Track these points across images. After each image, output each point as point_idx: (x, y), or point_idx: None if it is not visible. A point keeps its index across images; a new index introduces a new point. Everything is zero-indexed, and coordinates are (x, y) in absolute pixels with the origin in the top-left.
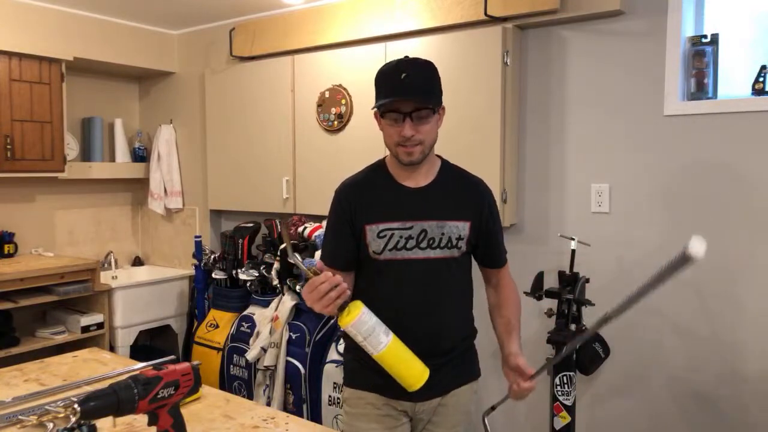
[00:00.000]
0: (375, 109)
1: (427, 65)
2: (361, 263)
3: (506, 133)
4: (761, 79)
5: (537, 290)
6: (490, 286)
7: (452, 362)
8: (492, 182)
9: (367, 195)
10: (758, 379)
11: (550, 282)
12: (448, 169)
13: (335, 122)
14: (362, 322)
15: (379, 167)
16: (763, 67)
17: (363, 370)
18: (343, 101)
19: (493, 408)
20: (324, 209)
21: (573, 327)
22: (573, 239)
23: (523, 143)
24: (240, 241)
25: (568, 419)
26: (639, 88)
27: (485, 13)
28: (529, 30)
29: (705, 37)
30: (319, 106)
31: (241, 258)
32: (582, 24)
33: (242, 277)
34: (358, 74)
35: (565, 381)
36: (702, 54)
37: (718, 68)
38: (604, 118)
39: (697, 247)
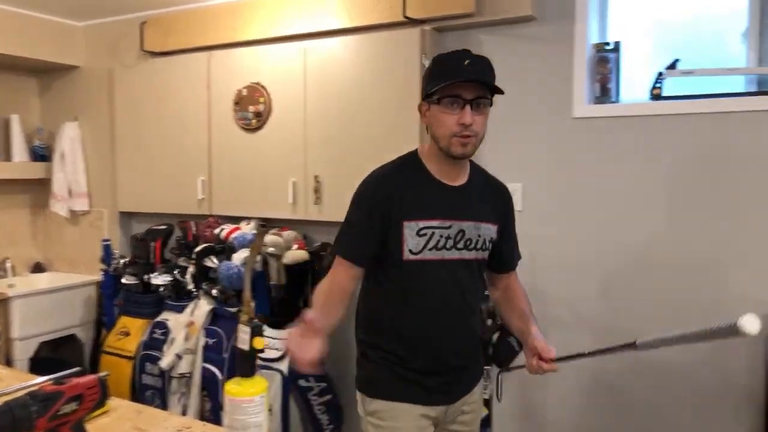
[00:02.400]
0: (425, 100)
1: (486, 58)
2: (383, 264)
3: (425, 136)
4: (658, 85)
5: None
6: (497, 289)
7: (475, 360)
8: None
9: (404, 189)
10: (660, 366)
11: None
12: (476, 169)
13: (254, 121)
14: (240, 407)
15: (413, 161)
16: (660, 74)
17: (397, 380)
18: (262, 99)
19: (509, 369)
20: (242, 210)
21: (489, 322)
22: None
23: None
24: (152, 244)
25: (486, 412)
26: (551, 90)
27: (404, 15)
28: (447, 33)
29: (608, 44)
30: (236, 104)
31: (154, 262)
32: (497, 28)
33: (155, 281)
34: (277, 72)
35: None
36: (606, 60)
37: (620, 74)
38: (519, 119)
39: (750, 325)
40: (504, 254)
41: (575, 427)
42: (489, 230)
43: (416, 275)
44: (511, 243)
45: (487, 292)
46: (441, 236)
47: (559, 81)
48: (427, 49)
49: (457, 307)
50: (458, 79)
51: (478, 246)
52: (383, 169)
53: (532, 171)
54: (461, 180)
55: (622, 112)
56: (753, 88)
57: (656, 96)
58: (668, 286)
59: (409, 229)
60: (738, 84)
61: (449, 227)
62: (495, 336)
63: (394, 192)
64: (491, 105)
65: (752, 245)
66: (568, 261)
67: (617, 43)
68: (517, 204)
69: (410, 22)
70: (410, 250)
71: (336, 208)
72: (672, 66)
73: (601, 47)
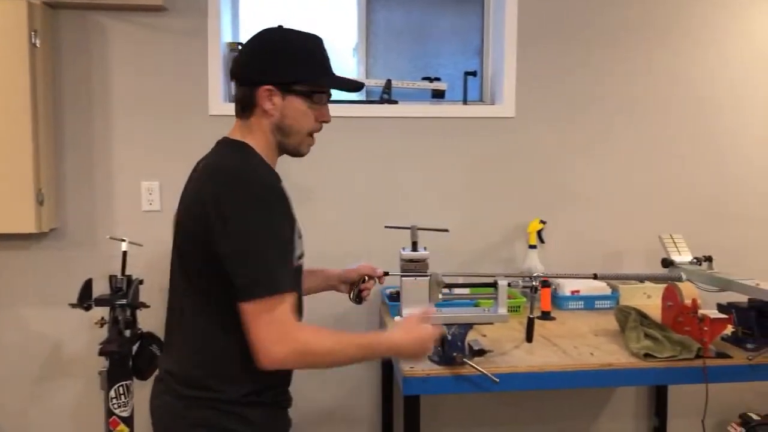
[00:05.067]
0: (278, 87)
1: None
2: None
3: (39, 125)
4: None
5: (85, 299)
6: None
7: None
8: (24, 181)
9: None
10: None
11: (102, 289)
12: None
13: None
14: None
15: (257, 154)
16: None
17: (282, 415)
18: None
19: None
20: None
21: (128, 333)
22: (124, 240)
23: (61, 138)
24: None
25: (127, 431)
26: (185, 86)
27: None
28: (61, 11)
29: (241, 44)
30: None
31: None
32: (123, 14)
33: None
34: None
35: (122, 392)
36: None
37: None
38: (153, 114)
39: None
40: None
41: None
42: None
43: (297, 283)
44: None
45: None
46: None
47: (194, 77)
48: (38, 26)
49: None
50: (349, 86)
51: None
52: (257, 164)
53: (170, 169)
54: None
55: None
56: (362, 97)
57: None
58: None
59: (296, 232)
60: (351, 93)
61: None
62: (135, 346)
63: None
64: None
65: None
66: None
67: None
68: (155, 204)
69: None
70: (297, 256)
71: None
72: None
73: (234, 46)
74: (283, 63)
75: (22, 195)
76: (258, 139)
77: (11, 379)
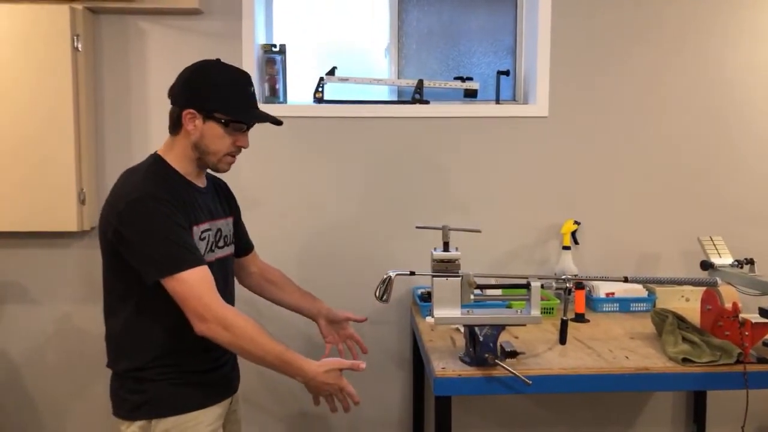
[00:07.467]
0: (199, 111)
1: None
2: None
3: (81, 127)
4: (320, 89)
5: None
6: (251, 273)
7: None
8: (67, 181)
9: (177, 196)
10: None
11: None
12: None
13: None
14: None
15: (164, 167)
16: (321, 79)
17: (190, 388)
18: None
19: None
20: None
21: None
22: None
23: (101, 139)
24: None
25: None
26: None
27: None
28: (102, 15)
29: (275, 46)
30: None
31: None
32: (161, 18)
33: None
34: None
35: None
36: (273, 62)
37: (287, 76)
38: None
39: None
40: (243, 237)
41: None
42: (230, 224)
43: None
44: (244, 227)
45: None
46: (211, 237)
47: None
48: (80, 31)
49: (224, 298)
50: (264, 120)
51: (229, 241)
52: (150, 178)
53: None
54: (204, 181)
55: (289, 112)
56: (394, 97)
57: (319, 99)
58: (348, 254)
59: (195, 235)
60: (383, 93)
61: (211, 228)
62: None
63: (176, 200)
64: None
65: (402, 223)
66: None
67: (283, 46)
68: None
69: None
70: None
71: None
72: (331, 72)
73: (268, 48)
74: (208, 92)
75: (64, 195)
76: (177, 155)
77: (53, 373)
